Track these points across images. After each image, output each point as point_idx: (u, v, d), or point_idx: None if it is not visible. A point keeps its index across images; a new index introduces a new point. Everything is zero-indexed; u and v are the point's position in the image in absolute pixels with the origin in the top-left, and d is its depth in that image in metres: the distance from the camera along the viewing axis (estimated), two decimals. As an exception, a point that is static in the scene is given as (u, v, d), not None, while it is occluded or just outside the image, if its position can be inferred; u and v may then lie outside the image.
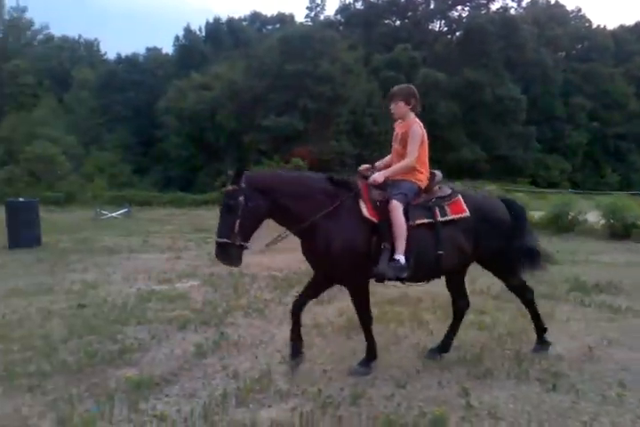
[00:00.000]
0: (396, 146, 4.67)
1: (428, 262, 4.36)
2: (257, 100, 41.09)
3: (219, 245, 4.07)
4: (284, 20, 62.29)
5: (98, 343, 5.22)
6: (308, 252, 4.43)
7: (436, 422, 3.55)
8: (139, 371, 4.46)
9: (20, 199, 12.89)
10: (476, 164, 43.23)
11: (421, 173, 4.55)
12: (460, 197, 4.59)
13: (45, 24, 65.76)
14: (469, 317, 5.91)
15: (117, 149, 42.62)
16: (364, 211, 4.26)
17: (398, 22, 54.53)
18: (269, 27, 63.65)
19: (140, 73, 50.89)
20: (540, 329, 5.03)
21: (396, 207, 4.22)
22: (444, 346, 4.89)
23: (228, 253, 4.08)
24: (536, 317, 5.02)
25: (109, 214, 21.57)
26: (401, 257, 4.16)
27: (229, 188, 4.13)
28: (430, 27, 55.23)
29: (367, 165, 4.79)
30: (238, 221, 4.06)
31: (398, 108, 4.63)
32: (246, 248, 4.13)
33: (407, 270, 4.20)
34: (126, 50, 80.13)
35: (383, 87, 40.06)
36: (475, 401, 3.92)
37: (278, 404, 3.91)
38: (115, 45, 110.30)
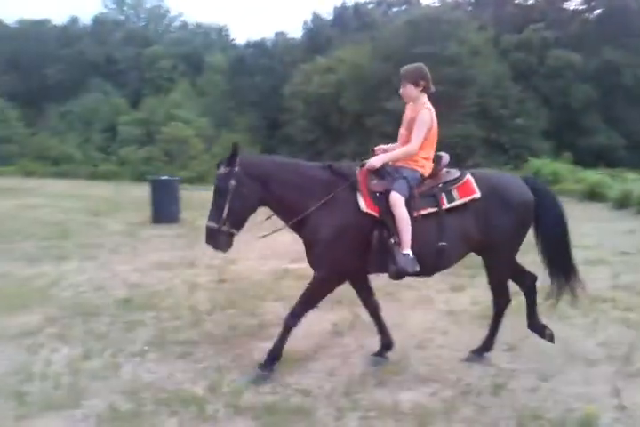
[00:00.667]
0: (402, 131, 4.36)
1: (430, 255, 4.04)
2: (381, 83, 40.77)
3: (207, 229, 3.96)
4: (410, 1, 61.22)
5: (239, 317, 5.48)
6: (305, 247, 4.18)
7: (587, 421, 3.40)
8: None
9: (163, 177, 13.68)
10: (613, 150, 40.54)
11: (426, 159, 4.21)
12: (469, 177, 4.20)
13: (181, 12, 68.77)
14: (615, 313, 5.61)
15: (246, 132, 44.07)
16: (362, 205, 3.96)
17: (531, 1, 51.91)
18: (395, 9, 62.81)
19: (268, 58, 52.16)
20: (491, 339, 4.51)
21: (398, 200, 3.90)
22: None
23: (216, 238, 3.95)
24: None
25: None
26: (409, 251, 3.89)
27: (221, 170, 3.97)
28: (565, 5, 52.07)
29: (383, 146, 4.48)
30: (227, 206, 3.90)
31: (407, 91, 4.27)
32: (234, 236, 3.99)
33: (417, 264, 3.92)
34: (256, 35, 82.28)
35: (513, 69, 38.36)
36: (627, 402, 3.71)
37: (418, 388, 3.91)
38: (244, 31, 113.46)
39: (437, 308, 5.83)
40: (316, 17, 54.27)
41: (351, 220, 3.96)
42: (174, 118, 39.62)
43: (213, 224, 3.92)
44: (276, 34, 58.21)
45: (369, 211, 3.94)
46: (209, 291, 6.44)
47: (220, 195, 3.92)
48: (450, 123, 38.06)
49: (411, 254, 3.88)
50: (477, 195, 4.10)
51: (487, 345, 4.48)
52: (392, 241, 3.89)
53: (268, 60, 51.53)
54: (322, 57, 45.24)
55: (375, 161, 4.11)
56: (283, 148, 44.16)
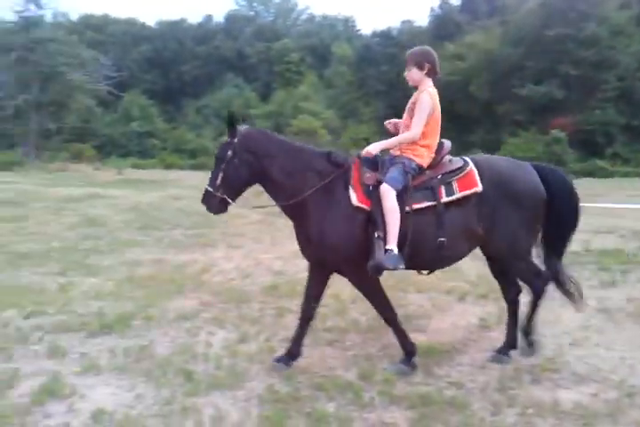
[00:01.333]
0: (405, 117, 4.05)
1: (428, 251, 3.83)
2: (513, 69, 39.31)
3: (204, 190, 3.97)
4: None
5: (382, 307, 5.52)
6: (297, 236, 4.07)
7: None
8: (426, 337, 4.62)
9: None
10: None
11: (426, 147, 3.93)
12: (472, 168, 3.90)
13: (308, 5, 69.94)
14: None
15: (372, 122, 44.14)
16: (354, 198, 3.78)
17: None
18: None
19: (395, 47, 51.77)
20: (526, 332, 4.24)
21: (387, 193, 3.68)
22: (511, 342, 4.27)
23: (209, 201, 3.96)
24: (530, 317, 4.22)
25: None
26: (394, 247, 3.65)
27: (224, 140, 3.97)
28: None
29: (395, 120, 4.25)
30: (221, 175, 3.90)
31: (411, 75, 4.03)
32: (229, 203, 3.96)
33: (403, 261, 3.70)
34: (381, 25, 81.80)
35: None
36: None
37: (577, 387, 3.76)
38: (370, 21, 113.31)
39: (590, 305, 5.55)
40: (444, 3, 53.11)
41: (348, 215, 3.80)
42: (302, 111, 40.54)
43: (209, 188, 3.95)
44: (402, 22, 57.74)
45: (360, 205, 3.78)
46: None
47: (217, 162, 3.95)
48: (587, 109, 36.02)
49: (395, 251, 3.66)
50: (479, 188, 3.84)
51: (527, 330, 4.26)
52: (376, 235, 3.70)
53: (394, 49, 51.16)
54: (450, 43, 44.24)
55: (372, 148, 3.90)
56: (409, 137, 43.85)
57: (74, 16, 62.40)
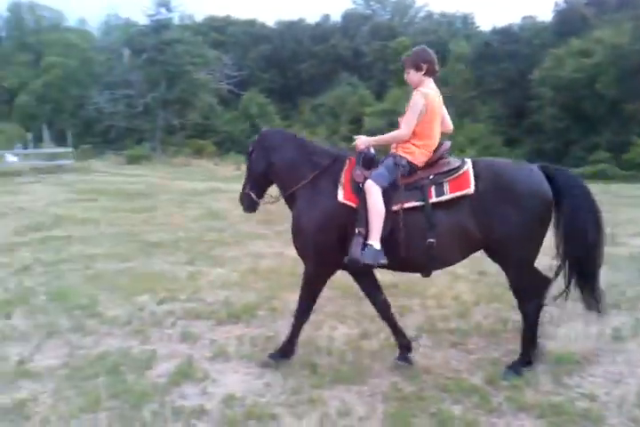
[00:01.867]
0: (400, 119, 4.04)
1: (419, 252, 3.76)
2: (645, 65, 36.75)
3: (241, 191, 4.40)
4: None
5: (505, 311, 5.36)
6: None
7: None
8: (555, 345, 4.43)
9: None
10: None
11: (419, 146, 3.92)
12: (468, 169, 3.78)
13: (426, 2, 69.24)
14: None
15: (489, 121, 42.95)
16: (340, 195, 3.86)
17: None
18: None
19: (515, 43, 49.98)
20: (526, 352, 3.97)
21: (371, 188, 3.74)
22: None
23: (241, 199, 4.40)
24: (530, 337, 3.96)
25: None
26: (375, 242, 3.69)
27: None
28: None
29: None
30: (247, 173, 4.35)
31: (410, 77, 4.07)
32: (256, 201, 4.33)
33: (384, 256, 3.72)
34: (501, 22, 79.50)
35: None
36: None
37: None
38: (490, 18, 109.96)
39: None
40: (571, -3, 50.58)
41: (329, 210, 3.89)
42: (417, 109, 40.10)
43: (242, 187, 4.40)
44: (524, 18, 55.57)
45: (346, 201, 3.85)
46: (470, 282, 6.42)
47: (246, 163, 4.39)
48: None
49: (375, 246, 3.70)
50: (470, 190, 3.71)
51: (531, 357, 3.97)
52: (357, 231, 3.75)
53: (514, 46, 49.43)
54: (576, 39, 42.07)
55: (360, 142, 4.00)
56: (528, 137, 42.20)
57: (198, 18, 65.22)
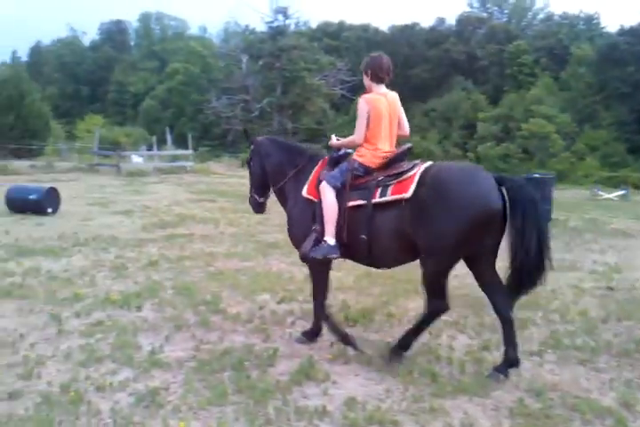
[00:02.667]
0: None
1: (358, 247, 4.07)
2: None
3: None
4: None
5: (639, 329, 5.05)
6: None
7: None
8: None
9: (535, 175, 13.32)
10: None
11: (368, 149, 4.18)
12: (415, 173, 3.88)
13: (546, 3, 66.74)
14: None
15: (612, 127, 40.66)
16: (304, 189, 4.33)
17: None
18: None
19: (644, 45, 47.05)
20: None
21: (324, 189, 4.13)
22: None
23: (249, 202, 4.98)
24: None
25: (605, 195, 20.83)
26: (329, 238, 4.07)
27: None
28: None
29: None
30: (250, 178, 4.91)
31: (364, 82, 4.36)
32: (260, 201, 4.89)
33: (338, 251, 4.07)
34: (630, 21, 74.99)
35: None
36: None
37: None
38: (617, 18, 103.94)
39: None
40: None
41: (298, 204, 4.38)
42: (534, 114, 38.64)
43: (249, 191, 4.97)
44: (657, 17, 52.12)
45: (308, 196, 4.28)
46: (597, 298, 6.09)
47: (247, 168, 4.96)
48: None
49: (329, 241, 4.07)
50: (406, 195, 3.81)
51: (404, 344, 4.15)
52: (313, 227, 4.17)
53: (644, 48, 46.54)
54: None
55: (330, 143, 4.43)
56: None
57: (313, 24, 66.49)
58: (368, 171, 4.14)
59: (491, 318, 5.27)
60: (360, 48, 62.36)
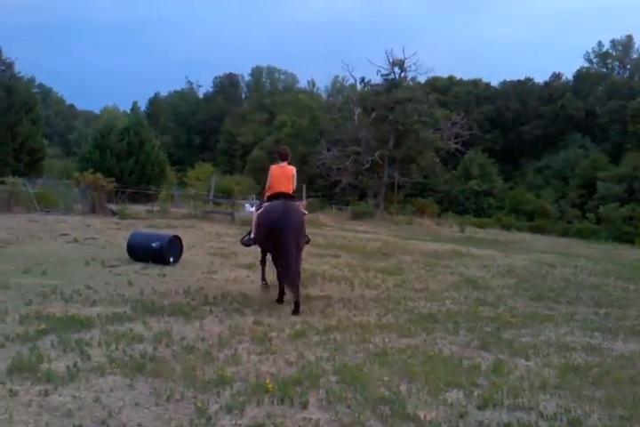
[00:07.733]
0: None
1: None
2: None
3: None
4: None
5: None
6: None
7: None
8: None
9: None
10: None
11: (267, 194, 7.84)
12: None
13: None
14: None
15: None
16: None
17: None
18: None
19: None
20: None
21: (254, 211, 8.14)
22: None
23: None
24: None
25: None
26: (252, 234, 7.93)
27: None
28: None
29: None
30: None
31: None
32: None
33: (253, 242, 7.97)
34: None
35: None
36: None
37: None
38: None
39: None
40: None
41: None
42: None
43: None
44: None
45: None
46: None
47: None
48: None
49: (251, 236, 7.96)
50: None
51: None
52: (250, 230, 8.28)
53: None
54: None
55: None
56: None
57: (422, 79, 66.25)
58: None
59: None
60: (470, 103, 61.34)
